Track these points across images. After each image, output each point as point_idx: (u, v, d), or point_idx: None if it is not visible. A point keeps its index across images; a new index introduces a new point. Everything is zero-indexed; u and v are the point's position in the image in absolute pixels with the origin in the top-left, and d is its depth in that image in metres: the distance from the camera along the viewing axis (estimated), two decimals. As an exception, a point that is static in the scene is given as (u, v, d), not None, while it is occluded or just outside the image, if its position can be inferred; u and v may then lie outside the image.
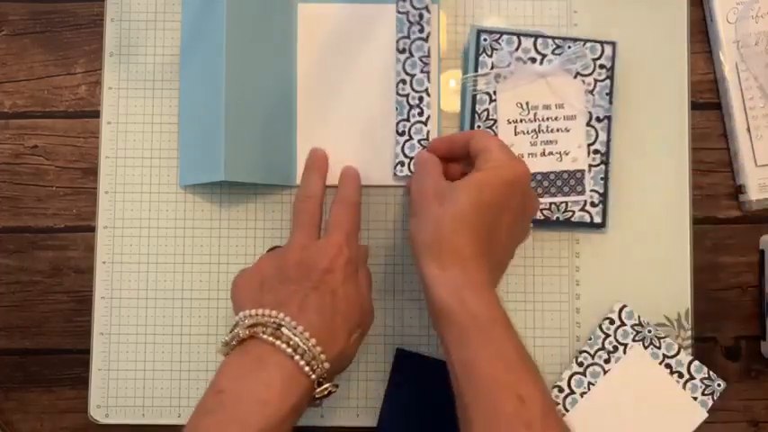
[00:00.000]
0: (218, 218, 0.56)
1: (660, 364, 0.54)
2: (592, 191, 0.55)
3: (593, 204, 0.55)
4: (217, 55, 0.52)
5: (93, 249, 0.56)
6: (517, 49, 0.54)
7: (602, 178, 0.55)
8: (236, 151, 0.52)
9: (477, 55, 0.54)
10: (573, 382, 0.54)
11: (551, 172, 0.54)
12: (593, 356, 0.54)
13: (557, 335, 0.55)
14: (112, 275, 0.56)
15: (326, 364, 0.45)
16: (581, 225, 0.55)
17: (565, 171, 0.55)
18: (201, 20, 0.55)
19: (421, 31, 0.56)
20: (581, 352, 0.55)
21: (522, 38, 0.54)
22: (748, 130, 0.56)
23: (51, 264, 0.57)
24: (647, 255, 0.56)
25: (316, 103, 0.57)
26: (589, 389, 0.54)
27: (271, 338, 0.44)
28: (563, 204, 0.54)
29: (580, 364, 0.54)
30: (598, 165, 0.55)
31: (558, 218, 0.54)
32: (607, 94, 0.55)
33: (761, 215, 0.57)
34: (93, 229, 0.56)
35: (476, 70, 0.54)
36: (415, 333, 0.55)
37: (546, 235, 0.56)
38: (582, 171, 0.55)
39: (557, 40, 0.55)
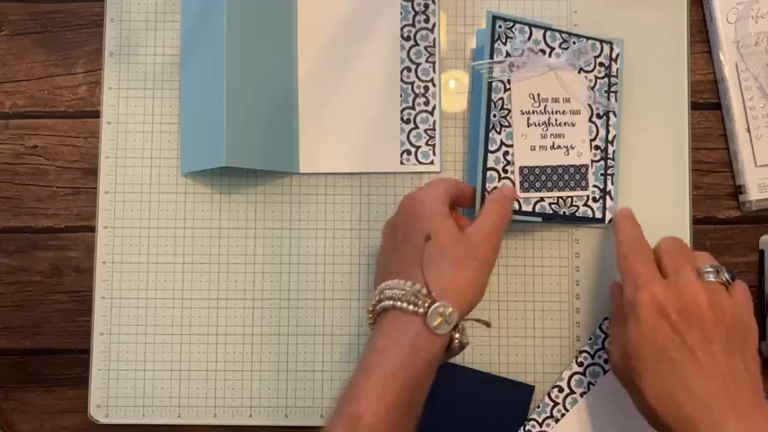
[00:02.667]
0: (218, 218, 0.56)
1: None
2: (594, 186, 0.55)
3: (594, 200, 0.55)
4: (218, 39, 0.52)
5: (93, 249, 0.56)
6: (529, 39, 0.54)
7: (602, 174, 0.55)
8: (237, 137, 0.52)
9: (493, 41, 0.53)
10: (573, 382, 0.54)
11: (559, 166, 0.54)
12: (593, 356, 0.54)
13: (557, 335, 0.55)
14: (112, 275, 0.56)
15: (430, 295, 0.43)
16: (584, 220, 0.55)
17: (571, 165, 0.54)
18: (203, 6, 0.55)
19: (426, 21, 0.56)
20: (581, 352, 0.55)
21: (533, 28, 0.54)
22: (748, 130, 0.56)
23: (51, 264, 0.57)
24: (646, 255, 0.56)
25: (318, 90, 0.57)
26: (589, 389, 0.54)
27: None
28: (569, 199, 0.54)
29: (580, 364, 0.54)
30: (599, 160, 0.55)
31: (564, 212, 0.54)
32: (606, 91, 0.55)
33: (761, 215, 0.57)
34: (93, 229, 0.56)
35: (491, 57, 0.53)
36: (415, 333, 0.55)
37: (546, 235, 0.56)
38: (585, 166, 0.55)
39: (563, 35, 0.55)
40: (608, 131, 0.55)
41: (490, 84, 0.53)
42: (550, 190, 0.54)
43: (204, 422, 0.55)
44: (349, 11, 0.57)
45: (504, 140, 0.53)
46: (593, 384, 0.54)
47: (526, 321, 0.55)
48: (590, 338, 0.55)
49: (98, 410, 0.55)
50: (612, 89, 0.56)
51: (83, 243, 0.57)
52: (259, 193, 0.56)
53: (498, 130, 0.53)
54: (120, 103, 0.57)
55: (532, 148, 0.54)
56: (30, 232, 0.57)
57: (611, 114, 0.56)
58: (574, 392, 0.54)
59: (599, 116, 0.55)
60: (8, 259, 0.57)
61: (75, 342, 0.56)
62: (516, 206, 0.53)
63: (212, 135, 0.52)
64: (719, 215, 0.57)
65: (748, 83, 0.56)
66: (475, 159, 0.53)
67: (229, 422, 0.55)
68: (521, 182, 0.53)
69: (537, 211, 0.54)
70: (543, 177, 0.54)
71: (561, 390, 0.54)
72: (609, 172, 0.55)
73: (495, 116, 0.53)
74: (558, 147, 0.54)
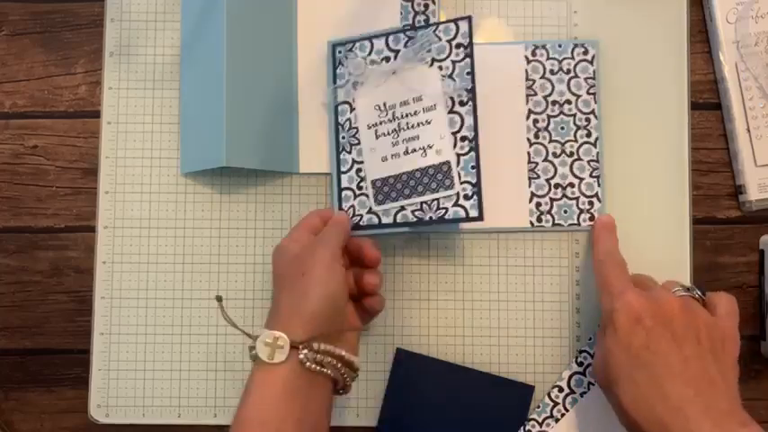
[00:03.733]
0: (218, 218, 0.56)
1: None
2: (464, 182, 0.51)
3: (466, 197, 0.51)
4: (218, 39, 0.52)
5: (93, 249, 0.56)
6: (370, 53, 0.54)
7: (472, 167, 0.51)
8: (237, 138, 0.52)
9: (335, 68, 0.55)
10: (573, 382, 0.54)
11: (417, 170, 0.52)
12: (593, 356, 0.54)
13: (557, 335, 0.55)
14: (112, 275, 0.56)
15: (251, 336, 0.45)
16: (457, 221, 0.51)
17: (430, 166, 0.52)
18: (203, 6, 0.55)
19: (426, 21, 0.56)
20: (581, 352, 0.55)
21: (374, 41, 0.54)
22: (748, 130, 0.56)
23: (51, 264, 0.57)
24: (646, 255, 0.56)
25: (318, 90, 0.57)
26: (589, 389, 0.54)
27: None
28: (434, 202, 0.51)
29: (580, 364, 0.54)
30: (467, 153, 0.51)
31: (431, 217, 0.51)
32: (468, 73, 0.52)
33: (761, 215, 0.57)
34: (93, 229, 0.56)
35: (334, 83, 0.54)
36: (415, 333, 0.55)
37: (546, 235, 0.56)
38: (447, 162, 0.51)
39: (408, 32, 0.53)
40: (476, 118, 0.51)
41: (336, 108, 0.54)
42: (409, 197, 0.52)
43: (204, 422, 0.55)
44: (349, 11, 0.57)
45: (354, 158, 0.54)
46: (594, 384, 0.54)
47: (526, 321, 0.55)
48: (590, 338, 0.55)
49: (98, 410, 0.55)
50: (591, 91, 0.55)
51: (83, 243, 0.56)
52: (259, 193, 0.56)
53: (348, 149, 0.54)
54: (120, 103, 0.57)
55: (384, 159, 0.53)
56: (30, 232, 0.57)
57: (590, 116, 0.55)
58: (574, 392, 0.54)
59: (462, 103, 0.51)
60: (8, 259, 0.57)
61: (75, 342, 0.56)
62: (375, 220, 0.53)
63: (212, 135, 0.52)
64: (719, 215, 0.57)
65: (748, 83, 0.56)
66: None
67: (229, 422, 0.55)
68: (374, 195, 0.53)
69: (399, 221, 0.52)
70: (399, 186, 0.52)
71: (561, 390, 0.54)
72: (594, 174, 0.55)
73: (344, 138, 0.54)
74: (413, 150, 0.52)
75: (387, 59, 0.53)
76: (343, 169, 0.54)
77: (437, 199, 0.51)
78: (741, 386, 0.55)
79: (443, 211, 0.51)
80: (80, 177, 0.57)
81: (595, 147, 0.55)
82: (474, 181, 0.51)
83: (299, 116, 0.56)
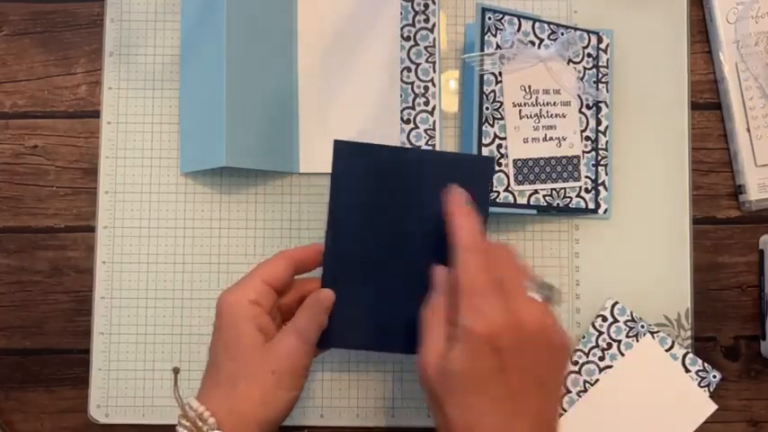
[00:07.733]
0: (218, 218, 0.56)
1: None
2: (585, 177, 0.55)
3: (586, 191, 0.55)
4: (218, 40, 0.52)
5: (93, 249, 0.56)
6: (518, 30, 0.54)
7: (593, 165, 0.55)
8: (237, 137, 0.52)
9: (483, 34, 0.53)
10: (569, 382, 0.54)
11: (552, 158, 0.54)
12: (587, 354, 0.54)
13: (556, 335, 0.55)
14: (112, 275, 0.56)
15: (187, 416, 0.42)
16: (578, 211, 0.55)
17: (564, 157, 0.55)
18: (203, 6, 0.55)
19: (426, 21, 0.56)
20: (575, 351, 0.55)
21: (522, 20, 0.54)
22: (748, 130, 0.56)
23: (51, 264, 0.57)
24: (646, 255, 0.56)
25: (318, 90, 0.57)
26: (585, 387, 0.54)
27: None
28: (562, 190, 0.55)
29: (575, 363, 0.54)
30: (590, 151, 0.55)
31: (558, 204, 0.54)
32: (594, 82, 0.55)
33: (760, 215, 0.57)
34: (93, 229, 0.56)
35: (482, 49, 0.53)
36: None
37: (546, 235, 0.56)
38: (577, 157, 0.55)
39: (551, 26, 0.55)
40: (598, 122, 0.56)
41: (482, 76, 0.53)
42: (544, 182, 0.54)
43: (204, 422, 0.55)
44: (349, 11, 0.57)
45: (497, 133, 0.53)
46: (590, 383, 0.54)
47: (526, 321, 0.55)
48: (583, 336, 0.55)
49: (98, 410, 0.55)
50: (603, 80, 0.56)
51: (83, 243, 0.57)
52: (259, 193, 0.56)
53: (491, 122, 0.53)
54: (120, 103, 0.57)
55: (525, 141, 0.54)
56: (30, 232, 0.57)
57: (602, 105, 0.56)
58: (570, 392, 0.54)
59: (588, 107, 0.55)
60: (8, 259, 0.57)
61: (76, 342, 0.56)
62: (511, 199, 0.53)
63: (212, 135, 0.52)
64: (719, 215, 0.57)
65: (748, 83, 0.56)
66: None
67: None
68: (515, 174, 0.53)
69: (531, 203, 0.54)
70: (537, 170, 0.54)
71: (561, 390, 0.54)
72: (602, 162, 0.56)
73: (487, 109, 0.53)
74: (551, 138, 0.54)
75: (532, 43, 0.54)
76: (484, 141, 0.53)
77: (564, 188, 0.55)
78: (740, 386, 0.55)
79: (569, 200, 0.55)
80: (80, 177, 0.57)
81: (605, 135, 0.56)
82: (593, 177, 0.55)
83: (299, 116, 0.57)
